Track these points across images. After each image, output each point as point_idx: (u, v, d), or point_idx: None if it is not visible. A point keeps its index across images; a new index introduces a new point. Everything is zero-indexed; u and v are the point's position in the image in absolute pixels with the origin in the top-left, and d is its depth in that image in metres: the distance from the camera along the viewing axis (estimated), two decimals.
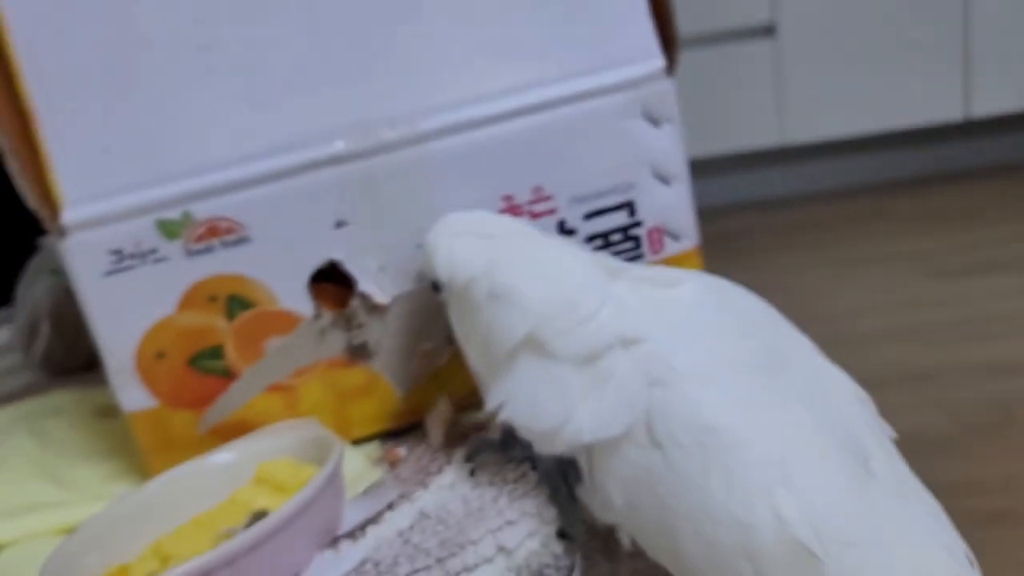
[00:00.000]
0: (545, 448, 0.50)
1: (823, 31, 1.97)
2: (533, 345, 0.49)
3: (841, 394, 0.48)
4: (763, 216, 2.11)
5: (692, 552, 0.44)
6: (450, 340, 0.59)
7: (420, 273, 0.59)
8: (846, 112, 2.03)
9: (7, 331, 0.97)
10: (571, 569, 0.52)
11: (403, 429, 0.64)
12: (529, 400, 0.49)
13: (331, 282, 0.61)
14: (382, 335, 0.61)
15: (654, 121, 0.61)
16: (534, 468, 0.53)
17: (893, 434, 0.48)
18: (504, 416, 0.50)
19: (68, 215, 0.55)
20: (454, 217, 0.56)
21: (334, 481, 0.51)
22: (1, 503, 0.59)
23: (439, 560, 0.47)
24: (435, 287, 0.56)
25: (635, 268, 0.53)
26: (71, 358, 0.85)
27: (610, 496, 0.47)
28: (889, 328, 1.52)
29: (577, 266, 0.51)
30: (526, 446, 0.53)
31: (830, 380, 0.48)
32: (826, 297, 1.67)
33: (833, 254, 1.85)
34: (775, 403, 0.45)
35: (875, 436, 0.47)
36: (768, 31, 1.98)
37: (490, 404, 0.51)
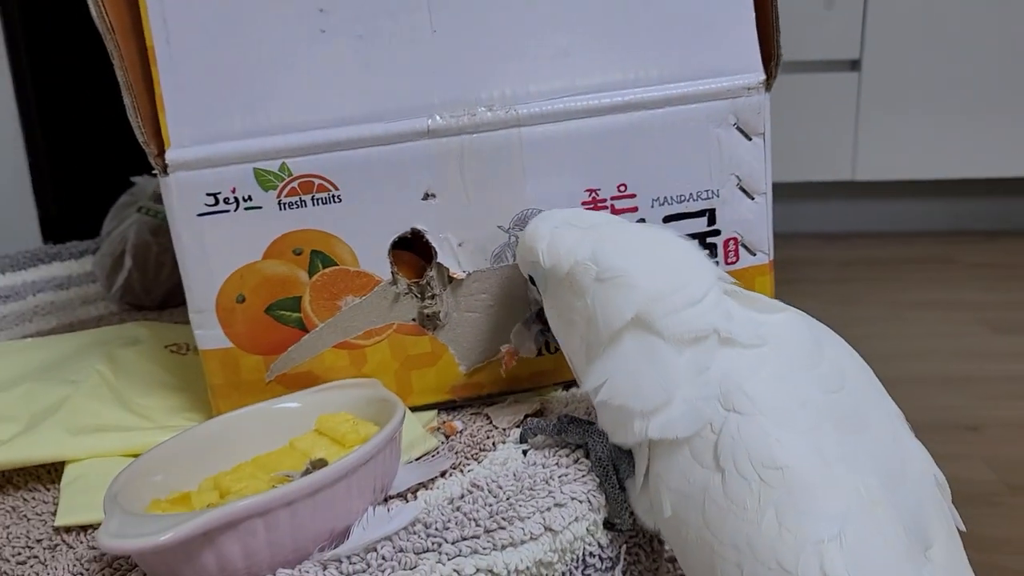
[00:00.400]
0: (619, 438, 0.50)
1: (908, 71, 1.95)
2: (640, 324, 0.49)
3: (918, 472, 0.47)
4: (827, 248, 2.09)
5: None
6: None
7: (530, 296, 0.60)
8: (922, 154, 2.00)
9: (92, 261, 1.00)
10: (615, 561, 0.53)
11: (459, 404, 0.66)
12: (632, 379, 0.49)
13: (411, 251, 0.63)
14: (453, 308, 0.62)
15: (746, 134, 0.61)
16: (587, 455, 0.54)
17: (962, 525, 0.47)
18: (603, 396, 0.50)
19: (172, 154, 0.57)
20: (550, 212, 0.57)
21: (394, 441, 0.53)
22: (72, 422, 0.61)
23: (488, 531, 0.49)
24: (531, 280, 0.56)
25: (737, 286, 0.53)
26: (148, 295, 0.89)
27: (660, 502, 0.48)
28: (942, 375, 1.50)
29: (686, 250, 0.52)
30: (581, 432, 0.54)
31: (910, 455, 0.48)
32: (882, 336, 1.65)
33: (894, 295, 1.83)
34: (846, 460, 0.45)
35: (943, 524, 0.46)
36: (853, 65, 1.96)
37: (589, 384, 0.51)
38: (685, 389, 0.47)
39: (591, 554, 0.52)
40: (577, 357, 0.54)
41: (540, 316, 0.61)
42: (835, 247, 2.09)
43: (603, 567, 0.52)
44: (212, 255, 0.59)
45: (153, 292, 0.89)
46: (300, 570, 0.46)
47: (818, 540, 0.42)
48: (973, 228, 2.11)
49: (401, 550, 0.47)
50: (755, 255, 0.64)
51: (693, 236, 0.63)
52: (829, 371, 0.48)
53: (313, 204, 0.59)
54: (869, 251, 2.06)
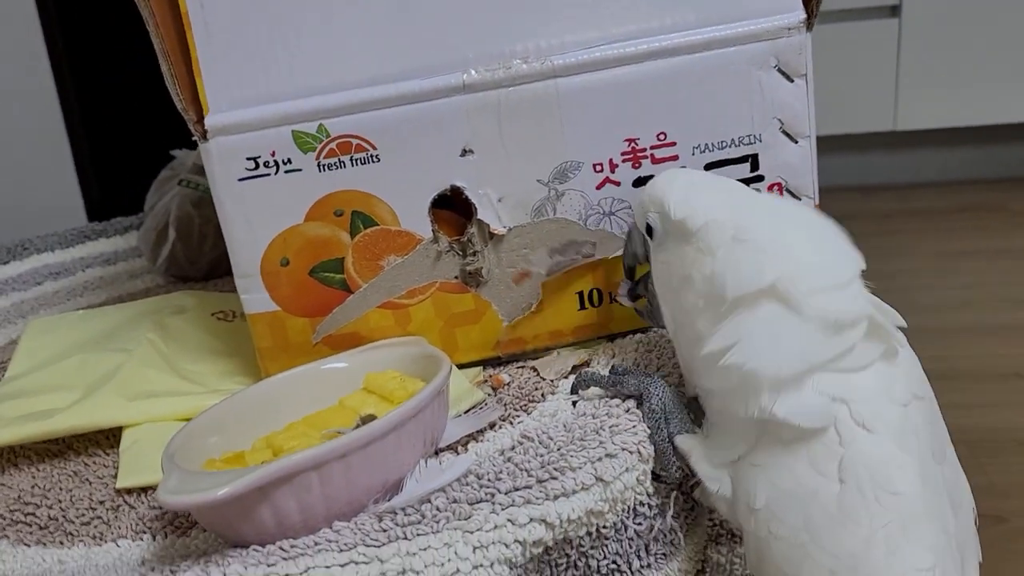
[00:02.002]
0: (735, 408, 0.47)
1: (950, 14, 1.89)
2: (777, 295, 0.46)
3: (968, 505, 0.49)
4: (869, 200, 2.05)
5: None
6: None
7: (628, 249, 0.58)
8: (966, 101, 1.95)
9: (136, 236, 1.02)
10: (663, 508, 0.53)
11: (504, 360, 0.66)
12: (770, 343, 0.46)
13: (451, 209, 0.62)
14: (495, 264, 0.62)
15: (788, 75, 0.60)
16: (638, 406, 0.54)
17: (980, 556, 0.49)
18: (733, 359, 0.46)
19: (212, 119, 0.58)
20: (676, 171, 0.55)
21: (442, 394, 0.53)
22: (127, 388, 0.63)
23: (540, 481, 0.49)
24: (649, 232, 0.53)
25: None
26: (192, 266, 0.90)
27: (753, 492, 0.47)
28: (991, 324, 1.47)
29: (832, 229, 0.49)
30: (637, 383, 0.54)
31: (965, 487, 0.49)
32: (925, 288, 1.62)
33: (939, 245, 1.79)
34: (940, 494, 0.46)
35: (975, 557, 0.48)
36: (893, 11, 1.91)
37: (712, 345, 0.47)
38: (821, 378, 0.46)
39: (641, 503, 0.52)
40: (688, 317, 0.50)
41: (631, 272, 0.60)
42: (877, 199, 2.05)
43: (652, 515, 0.52)
44: (255, 220, 0.60)
45: (197, 263, 0.90)
46: (356, 522, 0.46)
47: (919, 568, 0.44)
48: (1017, 173, 2.06)
49: (455, 501, 0.48)
50: (800, 200, 0.63)
51: None
52: (930, 402, 0.49)
53: (352, 165, 0.59)
54: (912, 202, 2.02)
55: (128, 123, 1.53)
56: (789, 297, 0.45)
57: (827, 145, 2.04)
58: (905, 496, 0.44)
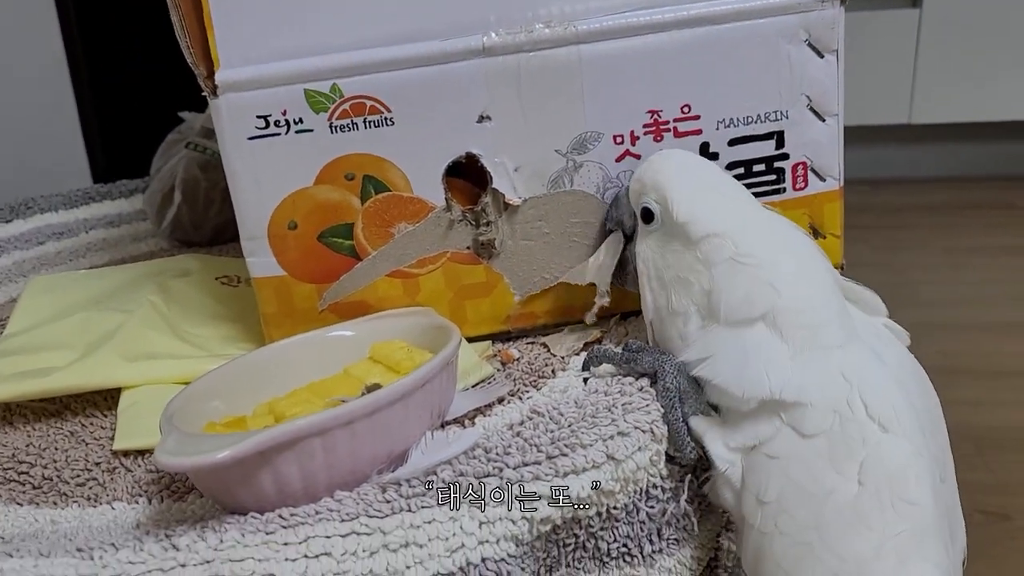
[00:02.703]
0: (734, 404, 0.48)
1: (970, 7, 1.87)
2: (769, 324, 0.48)
3: (961, 535, 0.49)
4: (879, 194, 2.03)
5: None
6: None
7: (612, 214, 0.58)
8: (983, 95, 1.92)
9: (142, 199, 1.00)
10: (676, 492, 0.51)
11: (513, 335, 0.64)
12: (739, 368, 0.48)
13: (465, 178, 0.61)
14: (509, 236, 0.61)
15: (819, 51, 0.58)
16: (652, 384, 0.53)
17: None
18: (702, 371, 0.49)
19: (222, 75, 0.56)
20: (684, 160, 0.55)
21: (450, 366, 0.52)
22: (127, 349, 0.61)
23: (549, 457, 0.47)
24: (646, 217, 0.54)
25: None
26: (197, 231, 0.88)
27: (765, 485, 0.46)
28: (1001, 321, 1.46)
29: (825, 266, 0.51)
30: (651, 360, 0.52)
31: (960, 515, 0.49)
32: (937, 283, 1.60)
33: (949, 240, 1.77)
34: (945, 514, 0.46)
35: (960, 538, 0.48)
36: (914, 1, 1.88)
37: (689, 355, 0.50)
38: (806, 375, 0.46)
39: (654, 485, 0.50)
40: (673, 315, 0.52)
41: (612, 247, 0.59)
42: (887, 193, 2.03)
43: (665, 498, 0.50)
44: (263, 180, 0.58)
45: (203, 227, 0.88)
46: (359, 492, 0.45)
47: None
48: None
49: (461, 474, 0.46)
50: (825, 180, 0.61)
51: (760, 160, 0.60)
52: (933, 406, 0.49)
53: (365, 127, 0.57)
54: (923, 197, 2.00)
55: (136, 85, 1.51)
56: (780, 330, 0.47)
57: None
58: (920, 508, 0.44)
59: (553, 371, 0.58)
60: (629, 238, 0.58)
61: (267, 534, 0.42)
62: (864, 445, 0.44)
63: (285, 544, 0.42)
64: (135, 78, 1.50)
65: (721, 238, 0.50)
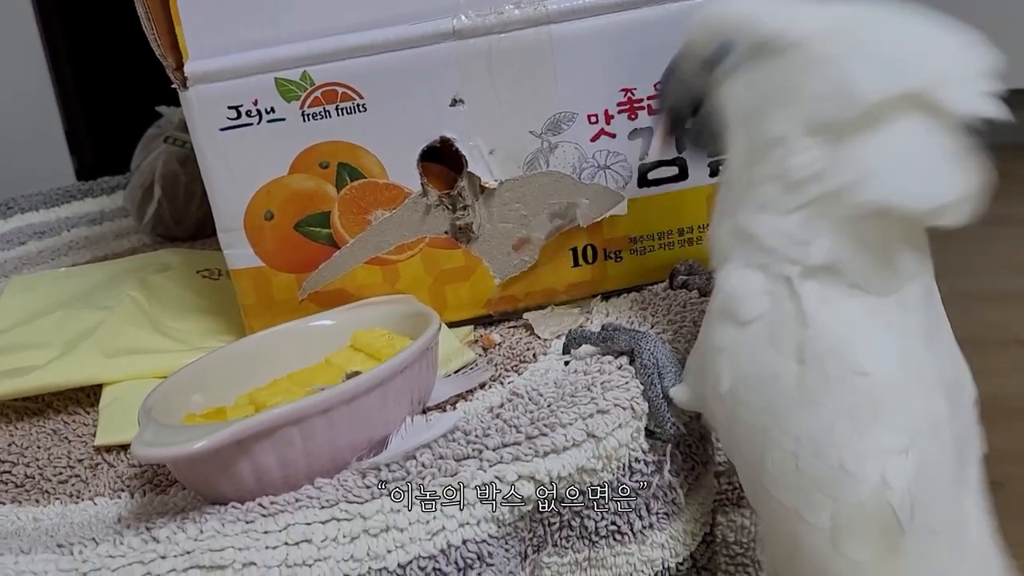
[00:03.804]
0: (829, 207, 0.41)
1: None
2: (920, 104, 0.40)
3: (970, 391, 0.46)
4: None
5: (777, 469, 0.43)
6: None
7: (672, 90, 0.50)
8: None
9: (123, 195, 0.99)
10: (659, 465, 0.51)
11: (495, 319, 0.64)
12: (921, 165, 0.40)
13: (440, 162, 0.61)
14: (486, 219, 0.60)
15: None
16: (631, 362, 0.53)
17: (984, 448, 0.47)
18: (869, 195, 0.40)
19: (191, 66, 0.56)
20: None
21: (430, 351, 0.51)
22: (107, 345, 0.61)
23: (529, 437, 0.47)
24: (720, 54, 0.45)
25: None
26: (179, 225, 0.88)
27: (718, 375, 0.45)
28: (992, 291, 1.46)
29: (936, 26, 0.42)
30: (628, 339, 0.52)
31: (965, 370, 0.46)
32: (946, 252, 1.60)
33: None
34: (926, 374, 0.43)
35: (977, 445, 0.46)
36: None
37: (832, 183, 0.41)
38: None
39: (636, 460, 0.50)
40: (772, 151, 0.43)
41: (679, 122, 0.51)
42: None
43: (649, 471, 0.50)
44: (237, 171, 0.58)
45: (184, 222, 0.88)
46: (339, 479, 0.45)
47: (886, 450, 0.41)
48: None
49: (441, 457, 0.46)
50: None
51: None
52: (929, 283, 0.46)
53: (338, 114, 0.57)
54: None
55: (120, 81, 1.50)
56: (938, 106, 0.40)
57: None
58: (875, 377, 0.42)
59: (535, 355, 0.58)
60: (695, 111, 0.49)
61: (247, 523, 0.42)
62: (802, 325, 0.42)
63: (265, 532, 0.42)
64: (118, 74, 1.49)
65: (834, 28, 0.42)
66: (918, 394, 0.43)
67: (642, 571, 0.50)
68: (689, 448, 0.53)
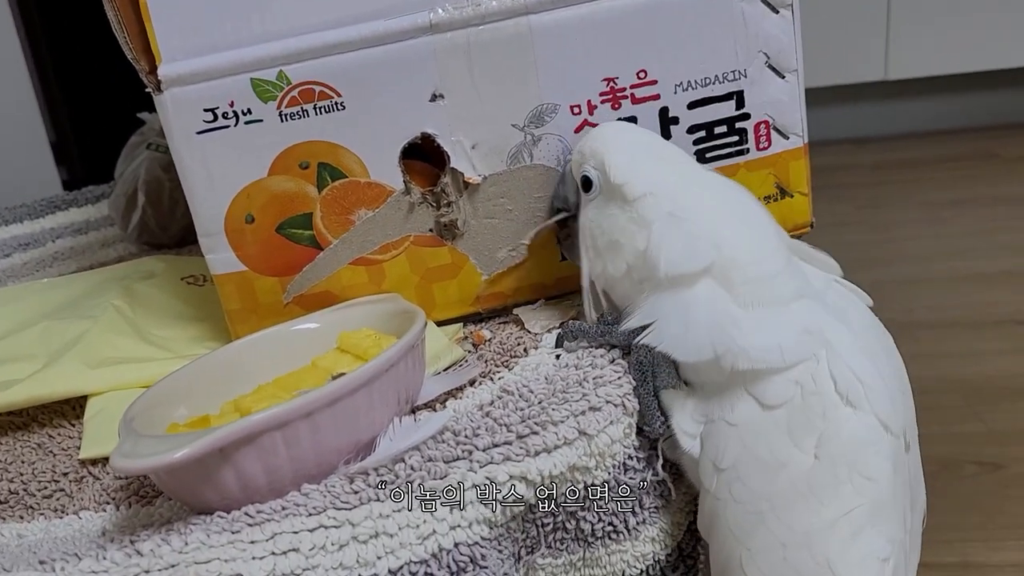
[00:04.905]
0: (701, 376, 0.48)
1: None
2: (714, 277, 0.47)
3: (921, 501, 0.49)
4: (859, 152, 2.02)
5: (762, 555, 0.44)
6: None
7: (559, 191, 0.57)
8: (958, 47, 1.91)
9: (108, 204, 0.98)
10: (651, 461, 0.50)
11: (484, 316, 0.63)
12: (682, 330, 0.47)
13: (422, 159, 0.60)
14: (471, 215, 0.59)
15: (773, 6, 0.57)
16: (624, 357, 0.52)
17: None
18: (649, 337, 0.48)
19: (165, 69, 0.55)
20: (623, 127, 0.55)
21: (416, 349, 0.51)
22: (91, 355, 0.60)
23: (520, 436, 0.46)
24: (585, 185, 0.53)
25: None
26: (164, 232, 0.87)
27: (721, 452, 0.45)
28: (983, 271, 1.45)
29: (770, 221, 0.50)
30: (626, 333, 0.51)
31: (921, 481, 0.49)
32: (920, 237, 1.60)
33: (931, 194, 1.77)
34: (906, 484, 0.46)
35: (917, 555, 0.49)
36: None
37: (633, 322, 0.49)
38: (762, 336, 0.45)
39: (630, 457, 0.49)
40: (615, 283, 0.51)
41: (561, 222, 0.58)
42: (868, 151, 2.02)
43: (642, 467, 0.50)
44: (216, 175, 0.57)
45: (169, 229, 0.87)
46: (326, 485, 0.44)
47: (875, 557, 0.43)
48: (1015, 120, 2.03)
49: (430, 459, 0.45)
50: (788, 139, 0.60)
51: (721, 122, 0.59)
52: (897, 363, 0.49)
53: (316, 113, 0.56)
54: (904, 153, 1.99)
55: (108, 93, 1.49)
56: (728, 284, 0.46)
57: (818, 97, 2.02)
58: (878, 483, 0.43)
59: (525, 349, 0.57)
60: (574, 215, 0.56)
61: (233, 533, 0.41)
62: (824, 419, 0.44)
63: (252, 542, 0.41)
64: (105, 83, 1.48)
65: (657, 196, 0.49)
66: (901, 499, 0.45)
67: (635, 567, 0.49)
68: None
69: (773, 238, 0.49)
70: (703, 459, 0.47)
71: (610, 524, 0.49)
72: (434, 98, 0.57)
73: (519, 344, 0.58)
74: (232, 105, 0.55)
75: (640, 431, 0.49)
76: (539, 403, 0.49)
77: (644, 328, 0.50)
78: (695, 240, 0.47)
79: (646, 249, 0.48)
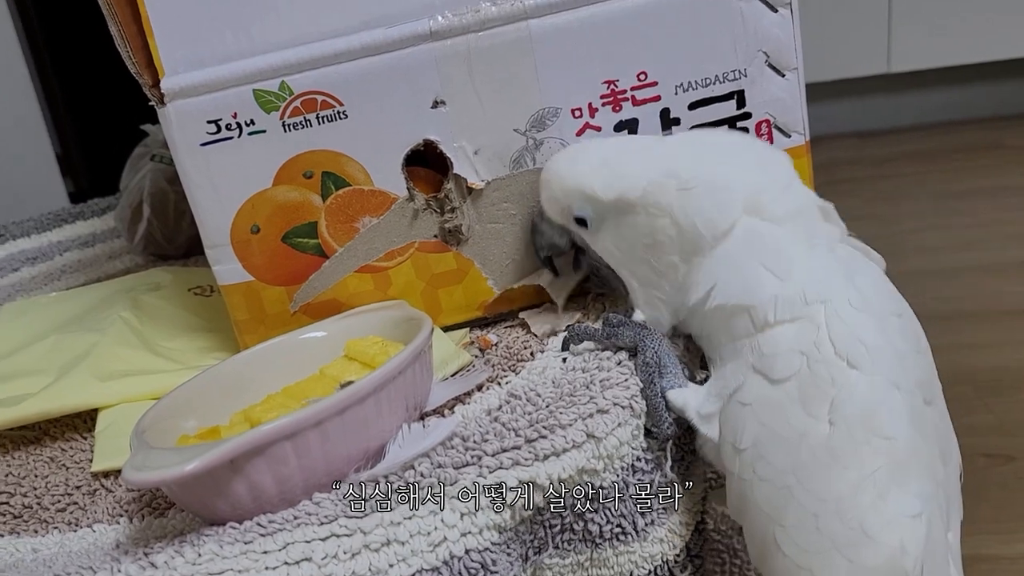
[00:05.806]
0: (731, 338, 0.48)
1: None
2: (752, 213, 0.48)
3: (956, 453, 0.48)
4: (866, 146, 2.02)
5: (796, 528, 0.44)
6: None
7: (540, 242, 0.57)
8: (961, 38, 1.90)
9: (113, 216, 0.99)
10: (659, 462, 0.50)
11: (491, 321, 0.63)
12: (743, 273, 0.47)
13: (425, 165, 0.60)
14: (475, 221, 0.60)
15: (771, 5, 0.57)
16: (631, 358, 0.52)
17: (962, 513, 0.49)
18: (715, 302, 0.48)
19: (168, 82, 0.55)
20: (564, 156, 0.54)
21: (423, 355, 0.51)
22: (100, 368, 0.60)
23: (528, 441, 0.47)
24: (582, 224, 0.53)
25: None
26: (170, 243, 0.87)
27: (740, 432, 0.45)
28: (992, 262, 1.45)
29: (753, 141, 0.54)
30: (633, 334, 0.51)
31: (952, 433, 0.48)
32: (930, 228, 1.59)
33: (939, 186, 1.76)
34: (928, 436, 0.45)
35: (959, 507, 0.48)
36: None
37: (697, 293, 0.49)
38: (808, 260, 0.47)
39: (639, 459, 0.50)
40: (665, 277, 0.50)
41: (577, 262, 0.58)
42: (874, 144, 2.02)
43: (650, 469, 0.50)
44: (220, 186, 0.57)
45: (175, 240, 0.87)
46: (337, 493, 0.44)
47: (905, 515, 0.43)
48: (1020, 110, 2.02)
49: (440, 466, 0.45)
50: (790, 136, 0.60)
51: (722, 121, 0.59)
52: (909, 323, 0.48)
53: (319, 123, 0.56)
54: (910, 145, 1.99)
55: (113, 105, 1.50)
56: (762, 211, 0.48)
57: (822, 92, 2.01)
58: (896, 441, 0.43)
59: (532, 353, 0.57)
60: (577, 251, 0.57)
61: (245, 544, 0.42)
62: (834, 385, 0.43)
63: (264, 552, 0.41)
64: (110, 96, 1.48)
65: (658, 183, 0.49)
66: (925, 454, 0.45)
67: (643, 567, 0.50)
68: (679, 439, 0.52)
69: (770, 154, 0.52)
70: (723, 443, 0.47)
71: (618, 525, 0.49)
72: (435, 105, 0.57)
73: (525, 348, 0.58)
74: (235, 116, 0.56)
75: (648, 432, 0.50)
76: (547, 407, 0.49)
77: (646, 328, 0.50)
78: (716, 193, 0.48)
79: (678, 230, 0.49)
